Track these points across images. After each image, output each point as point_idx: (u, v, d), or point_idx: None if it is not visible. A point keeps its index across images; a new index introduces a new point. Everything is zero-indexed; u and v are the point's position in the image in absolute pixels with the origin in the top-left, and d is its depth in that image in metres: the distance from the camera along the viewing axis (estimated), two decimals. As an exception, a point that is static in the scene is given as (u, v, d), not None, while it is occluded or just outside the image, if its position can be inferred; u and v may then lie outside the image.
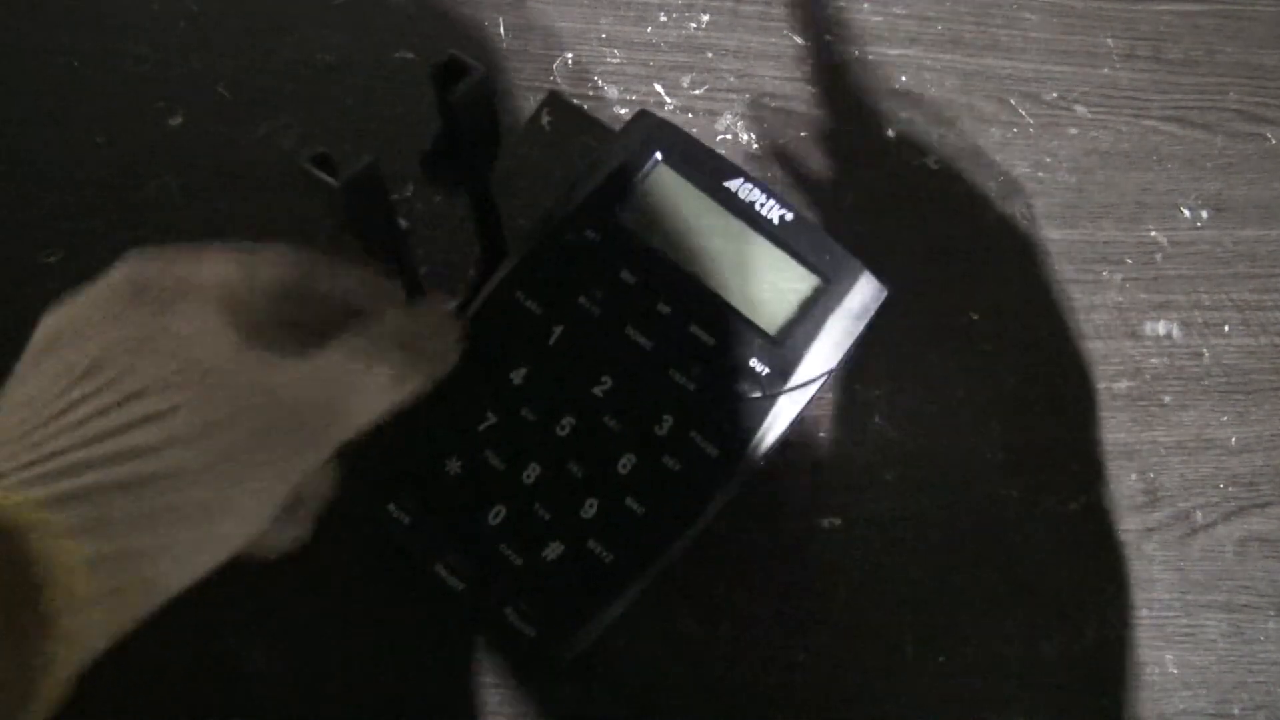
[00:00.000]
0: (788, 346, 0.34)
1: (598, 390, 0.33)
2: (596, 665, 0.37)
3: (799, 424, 0.36)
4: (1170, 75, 0.48)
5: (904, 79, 0.45)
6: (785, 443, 0.40)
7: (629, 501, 0.33)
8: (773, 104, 0.44)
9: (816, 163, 0.44)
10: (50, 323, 0.25)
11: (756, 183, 0.35)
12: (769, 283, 0.34)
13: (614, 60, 0.45)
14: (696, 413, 0.33)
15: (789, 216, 0.35)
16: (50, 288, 0.26)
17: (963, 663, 0.38)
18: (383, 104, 0.43)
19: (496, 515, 0.33)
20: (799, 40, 0.45)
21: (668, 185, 0.35)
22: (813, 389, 0.34)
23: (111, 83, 0.42)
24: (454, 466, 0.33)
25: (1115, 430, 0.41)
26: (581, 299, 0.34)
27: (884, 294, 0.35)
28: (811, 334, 0.34)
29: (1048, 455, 0.41)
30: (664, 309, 0.34)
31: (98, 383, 0.23)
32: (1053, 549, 0.39)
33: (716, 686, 0.37)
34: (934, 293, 0.42)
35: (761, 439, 0.33)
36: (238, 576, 0.36)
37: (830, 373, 0.34)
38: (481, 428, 0.34)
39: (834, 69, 0.45)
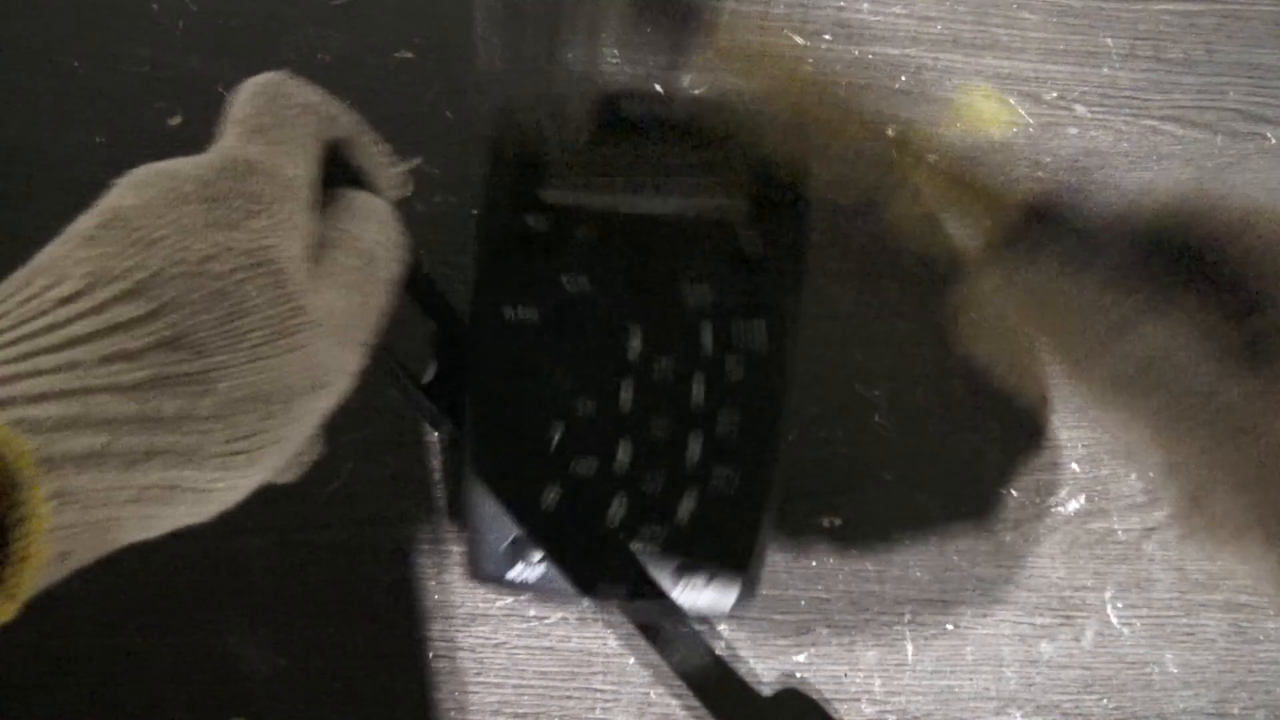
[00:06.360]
0: (764, 207, 0.34)
1: (631, 351, 0.33)
2: (597, 664, 0.37)
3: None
4: (1170, 75, 0.48)
5: (904, 79, 0.45)
6: (785, 444, 0.40)
7: (720, 422, 0.33)
8: (772, 104, 0.44)
9: (816, 163, 0.44)
10: (123, 199, 0.22)
11: (638, 93, 0.35)
12: (714, 167, 0.35)
13: (614, 60, 0.45)
14: (727, 310, 0.33)
15: (688, 104, 0.35)
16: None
17: (962, 662, 0.38)
18: (383, 104, 0.43)
19: (616, 512, 0.33)
20: (799, 40, 0.45)
21: (570, 145, 0.35)
22: (807, 227, 0.34)
23: (111, 83, 0.42)
24: (550, 499, 0.33)
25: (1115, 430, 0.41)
26: (564, 281, 0.34)
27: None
28: (775, 183, 0.34)
29: (1048, 455, 0.41)
30: (642, 242, 0.34)
31: (133, 312, 0.20)
32: (1053, 549, 0.39)
33: (716, 686, 0.37)
34: (934, 292, 0.42)
35: (792, 295, 0.34)
36: (238, 576, 0.37)
37: (808, 201, 0.34)
38: (554, 446, 0.33)
39: (833, 69, 0.45)
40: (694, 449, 0.33)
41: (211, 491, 0.22)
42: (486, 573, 0.33)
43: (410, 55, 0.44)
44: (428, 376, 0.33)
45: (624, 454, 0.33)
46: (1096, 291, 0.25)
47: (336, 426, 0.38)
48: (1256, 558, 0.23)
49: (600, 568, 0.33)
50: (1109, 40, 0.48)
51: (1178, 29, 0.48)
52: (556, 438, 0.33)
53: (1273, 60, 0.49)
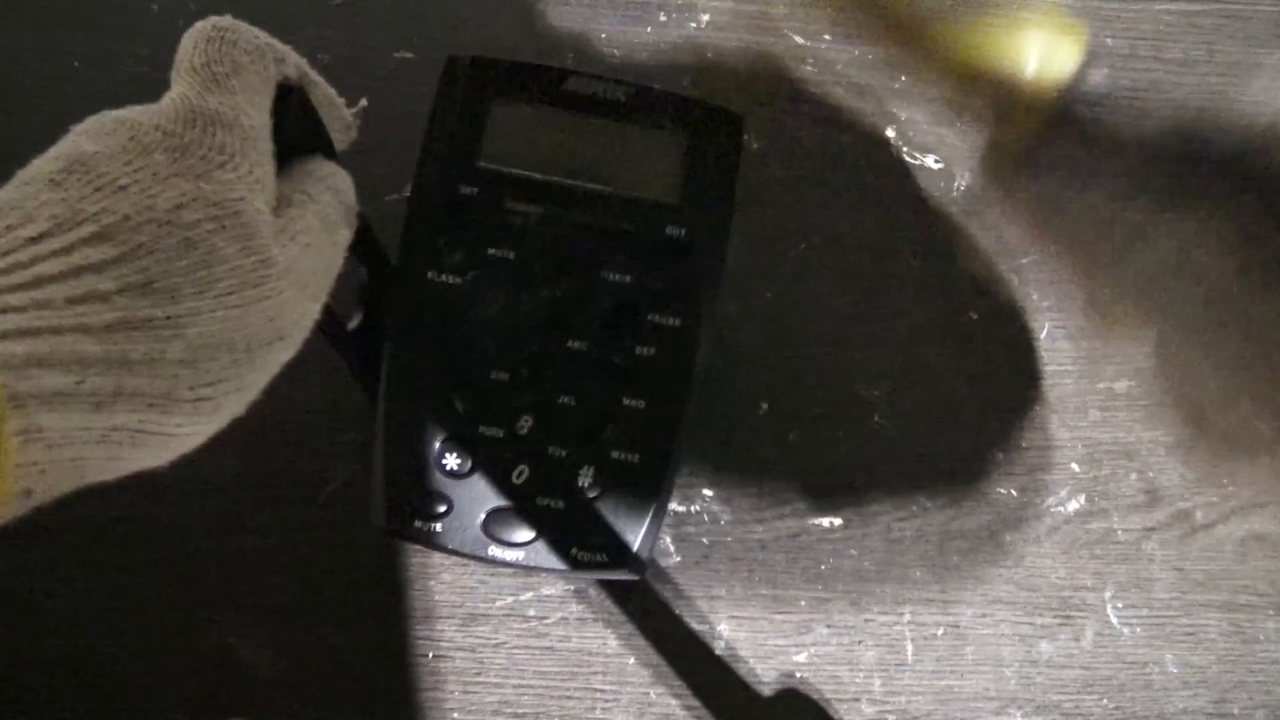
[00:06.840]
0: (692, 203, 0.35)
1: (549, 327, 0.34)
2: (597, 664, 0.37)
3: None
4: (1170, 75, 0.48)
5: (904, 79, 0.45)
6: (785, 444, 0.40)
7: (628, 402, 0.34)
8: (773, 104, 0.44)
9: (817, 162, 0.44)
10: (83, 145, 0.22)
11: (586, 74, 0.35)
12: (647, 158, 0.35)
13: (614, 60, 0.45)
14: (645, 298, 0.34)
15: (630, 91, 0.35)
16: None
17: (962, 662, 0.38)
18: (383, 104, 0.43)
19: (520, 475, 0.34)
20: (799, 40, 0.45)
21: (512, 115, 0.35)
22: (728, 223, 0.35)
23: (111, 83, 0.42)
24: (453, 461, 0.34)
25: (1115, 430, 0.41)
26: (490, 251, 0.34)
27: (741, 119, 0.36)
28: (704, 181, 0.35)
29: (1048, 455, 0.41)
30: (570, 223, 0.34)
31: (102, 254, 0.20)
32: (1053, 549, 0.40)
33: (716, 686, 0.37)
34: (934, 292, 0.42)
35: (709, 291, 0.34)
36: (238, 576, 0.37)
37: (733, 201, 0.35)
38: (464, 409, 0.34)
39: (834, 69, 0.45)
40: (603, 428, 0.34)
41: (175, 436, 0.22)
42: (391, 522, 0.34)
43: (410, 55, 0.44)
44: (354, 323, 0.34)
45: (525, 424, 0.34)
46: (1104, 204, 0.25)
47: (337, 426, 0.39)
48: (1270, 475, 0.22)
49: (501, 528, 0.34)
50: (1109, 40, 0.48)
51: (1178, 29, 0.48)
52: (467, 399, 0.34)
53: (1273, 60, 0.49)
